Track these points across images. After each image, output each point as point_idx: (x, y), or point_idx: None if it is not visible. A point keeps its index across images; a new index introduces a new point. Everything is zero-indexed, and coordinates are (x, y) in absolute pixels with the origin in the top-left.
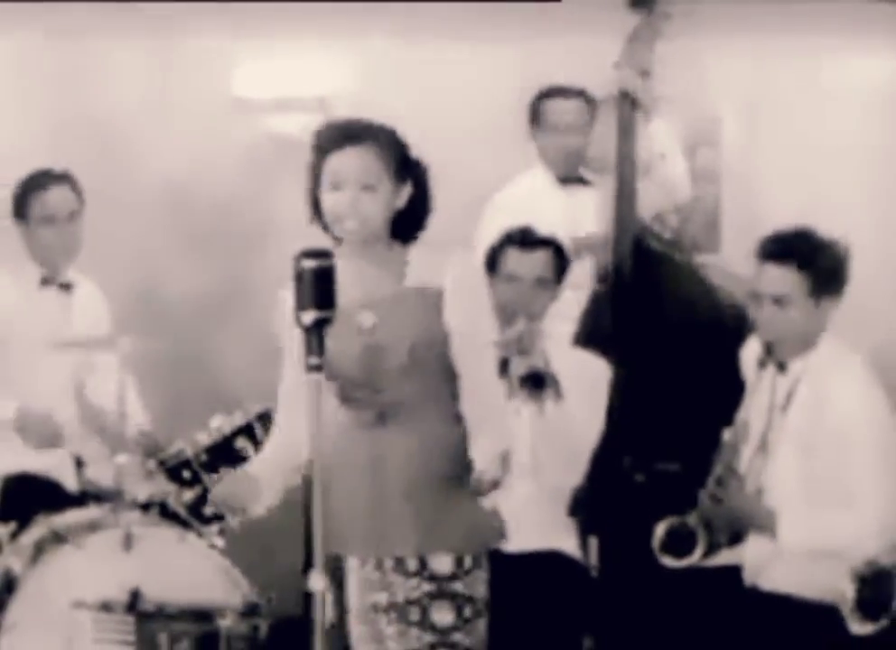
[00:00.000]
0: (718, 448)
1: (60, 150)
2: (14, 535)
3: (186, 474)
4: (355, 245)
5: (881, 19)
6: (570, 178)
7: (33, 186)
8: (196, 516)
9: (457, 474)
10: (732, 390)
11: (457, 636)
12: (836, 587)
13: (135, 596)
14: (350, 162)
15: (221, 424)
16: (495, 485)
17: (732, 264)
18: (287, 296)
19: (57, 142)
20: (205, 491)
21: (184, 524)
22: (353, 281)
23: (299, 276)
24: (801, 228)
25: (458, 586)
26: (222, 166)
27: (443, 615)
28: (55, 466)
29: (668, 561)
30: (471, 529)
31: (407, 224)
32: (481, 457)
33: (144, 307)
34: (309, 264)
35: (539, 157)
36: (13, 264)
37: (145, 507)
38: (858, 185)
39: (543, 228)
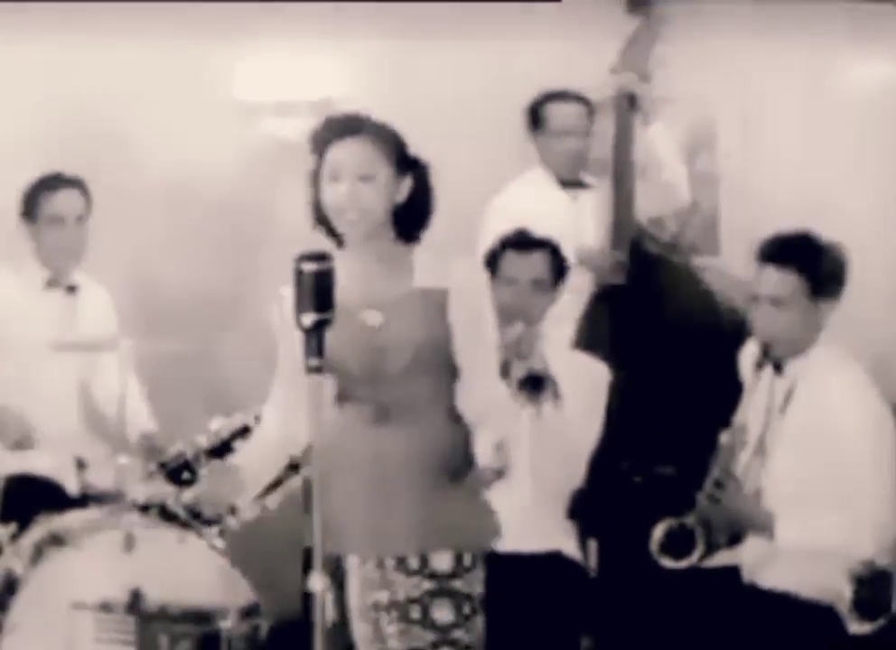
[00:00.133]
0: (715, 450)
1: (60, 151)
2: (15, 537)
3: (186, 475)
4: (359, 242)
5: (881, 21)
6: (571, 181)
7: (44, 187)
8: (196, 518)
9: (456, 472)
10: (730, 393)
11: (457, 634)
12: (834, 587)
13: (136, 597)
14: (348, 153)
15: (221, 426)
16: (500, 474)
17: (730, 268)
18: (287, 294)
19: (57, 143)
20: None
21: (184, 525)
22: (360, 279)
23: (299, 279)
24: (801, 232)
25: (458, 584)
26: (224, 168)
27: (443, 613)
28: (56, 468)
29: (667, 563)
30: (470, 527)
31: (410, 222)
32: (483, 451)
33: (144, 308)
34: (308, 266)
35: (540, 160)
36: (18, 266)
37: (146, 509)
38: (858, 188)
39: (545, 231)
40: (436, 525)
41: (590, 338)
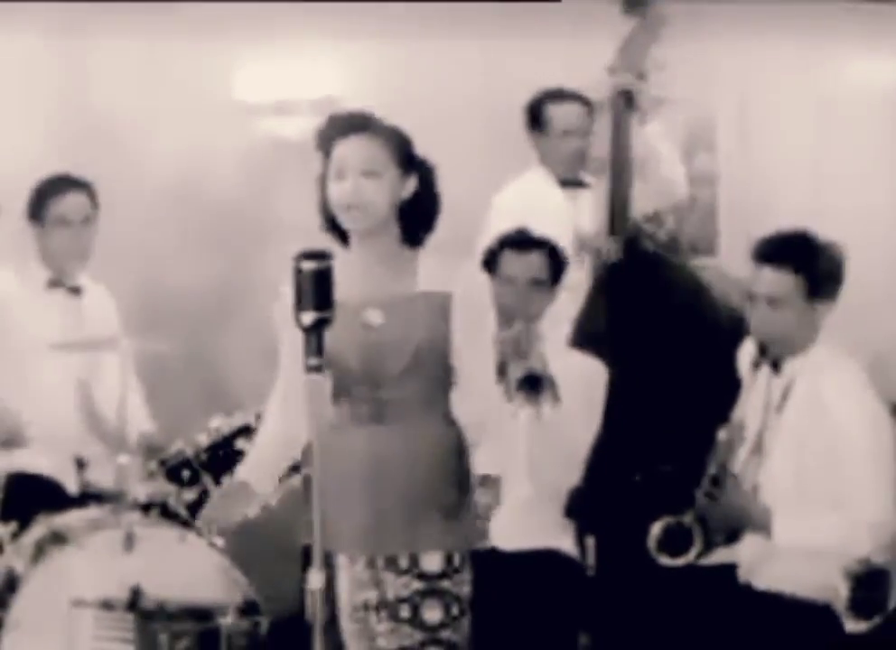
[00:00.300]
0: (713, 447)
1: (61, 152)
2: (16, 535)
3: (186, 474)
4: (364, 241)
5: (881, 21)
6: (571, 180)
7: (52, 190)
8: (196, 516)
9: (449, 473)
10: (728, 391)
11: (445, 634)
12: (831, 585)
13: (136, 594)
14: (352, 150)
15: (221, 425)
16: (491, 508)
17: (729, 267)
18: (287, 291)
19: (58, 144)
20: (205, 491)
21: (185, 523)
22: (363, 278)
23: (298, 278)
24: (798, 231)
25: (446, 584)
26: (223, 168)
27: (433, 613)
28: (56, 467)
29: (664, 560)
30: (459, 528)
31: (415, 222)
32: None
33: (144, 308)
34: (308, 265)
35: (541, 160)
36: (20, 265)
37: (146, 507)
38: (856, 188)
39: (546, 231)
40: (428, 526)
41: (587, 336)
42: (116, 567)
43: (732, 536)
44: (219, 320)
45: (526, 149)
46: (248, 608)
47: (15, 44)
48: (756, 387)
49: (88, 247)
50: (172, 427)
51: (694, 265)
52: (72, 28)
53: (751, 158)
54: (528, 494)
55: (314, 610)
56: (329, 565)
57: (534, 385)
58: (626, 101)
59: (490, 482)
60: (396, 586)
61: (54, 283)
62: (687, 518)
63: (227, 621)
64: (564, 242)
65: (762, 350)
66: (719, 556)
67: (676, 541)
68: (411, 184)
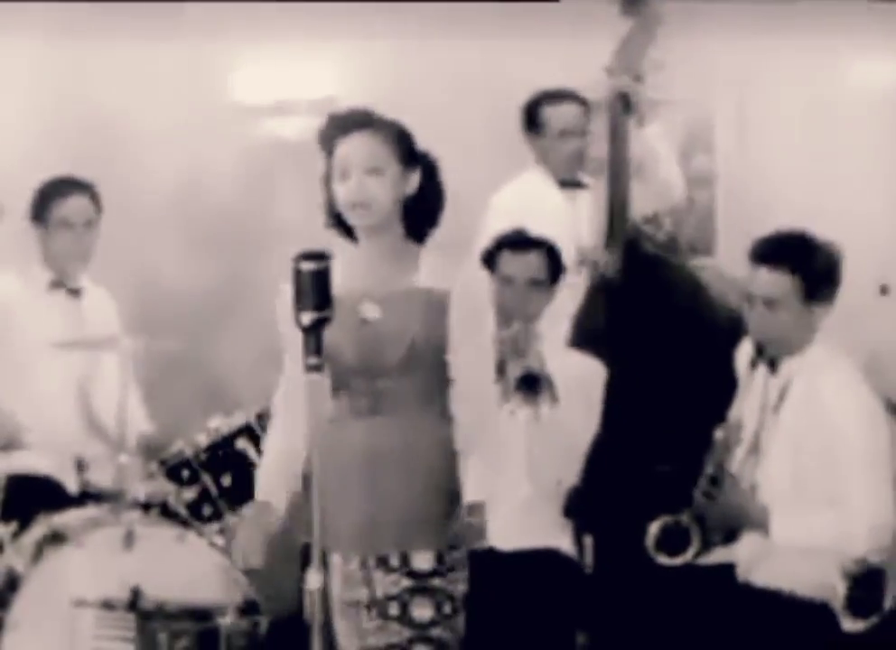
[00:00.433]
0: (710, 447)
1: (61, 153)
2: (16, 535)
3: (186, 474)
4: (370, 237)
5: (880, 20)
6: (569, 181)
7: (55, 192)
8: (196, 516)
9: (443, 470)
10: (726, 391)
11: (436, 631)
12: (828, 584)
13: (136, 594)
14: (355, 147)
15: (220, 425)
16: (479, 534)
17: (727, 268)
18: (288, 289)
19: (58, 145)
20: (205, 491)
21: (184, 523)
22: (363, 272)
23: (297, 278)
24: (795, 232)
25: (438, 582)
26: (223, 169)
27: (423, 611)
28: (56, 467)
29: (662, 560)
30: (454, 527)
31: (419, 217)
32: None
33: (144, 308)
34: (307, 265)
35: (539, 160)
36: (21, 266)
37: (146, 507)
38: (854, 189)
39: (544, 231)
40: (421, 524)
41: (586, 336)
42: (116, 566)
43: (730, 535)
44: (218, 321)
45: (525, 149)
46: (248, 608)
47: (17, 46)
48: (753, 387)
49: (91, 249)
50: (171, 427)
51: (692, 266)
52: (73, 30)
53: (750, 159)
54: (527, 493)
55: (313, 610)
56: (324, 564)
57: (532, 384)
58: (624, 103)
59: (475, 510)
60: (385, 584)
61: (56, 285)
62: (685, 518)
63: (226, 621)
64: (563, 243)
65: (759, 350)
66: (717, 555)
67: (674, 540)
68: (414, 179)
